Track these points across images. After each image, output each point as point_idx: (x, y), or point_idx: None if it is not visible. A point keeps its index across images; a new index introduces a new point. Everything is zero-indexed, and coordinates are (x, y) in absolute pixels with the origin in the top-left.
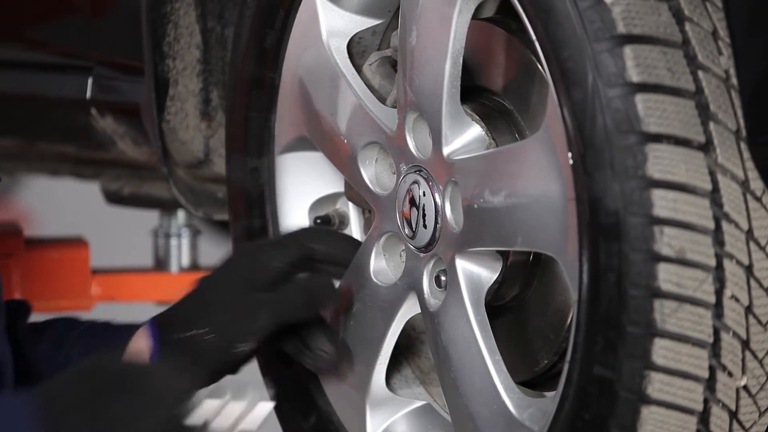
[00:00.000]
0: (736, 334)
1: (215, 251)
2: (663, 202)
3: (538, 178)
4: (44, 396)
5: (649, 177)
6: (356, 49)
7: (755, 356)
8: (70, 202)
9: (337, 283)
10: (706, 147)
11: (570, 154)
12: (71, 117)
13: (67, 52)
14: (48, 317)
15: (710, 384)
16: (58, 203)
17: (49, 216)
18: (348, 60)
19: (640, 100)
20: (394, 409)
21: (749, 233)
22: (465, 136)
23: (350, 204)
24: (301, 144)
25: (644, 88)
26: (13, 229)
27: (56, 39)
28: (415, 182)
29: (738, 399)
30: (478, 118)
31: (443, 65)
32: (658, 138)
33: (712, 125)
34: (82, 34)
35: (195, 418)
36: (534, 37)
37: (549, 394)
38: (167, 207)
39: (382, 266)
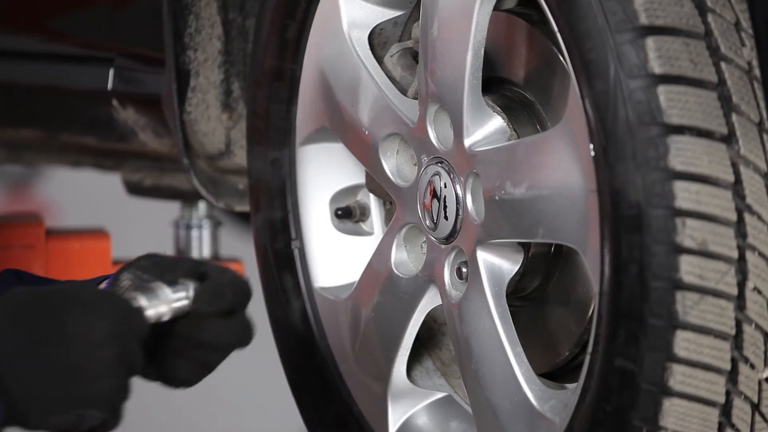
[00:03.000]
0: (758, 326)
1: (236, 243)
2: (685, 194)
3: (560, 170)
4: None
5: (671, 169)
6: (377, 40)
7: None
8: (92, 193)
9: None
10: (729, 138)
11: (592, 146)
12: (93, 108)
13: (88, 44)
14: None
15: (732, 376)
16: (80, 194)
17: (70, 207)
18: (369, 51)
19: (663, 91)
20: (414, 400)
21: None
22: (486, 128)
23: (371, 195)
24: (323, 135)
25: (666, 79)
26: (34, 220)
27: (78, 30)
28: (437, 174)
29: (760, 391)
30: (499, 109)
31: (464, 56)
32: (680, 130)
33: (734, 117)
34: (103, 25)
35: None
36: (556, 29)
37: (570, 385)
38: (188, 198)
39: (403, 258)
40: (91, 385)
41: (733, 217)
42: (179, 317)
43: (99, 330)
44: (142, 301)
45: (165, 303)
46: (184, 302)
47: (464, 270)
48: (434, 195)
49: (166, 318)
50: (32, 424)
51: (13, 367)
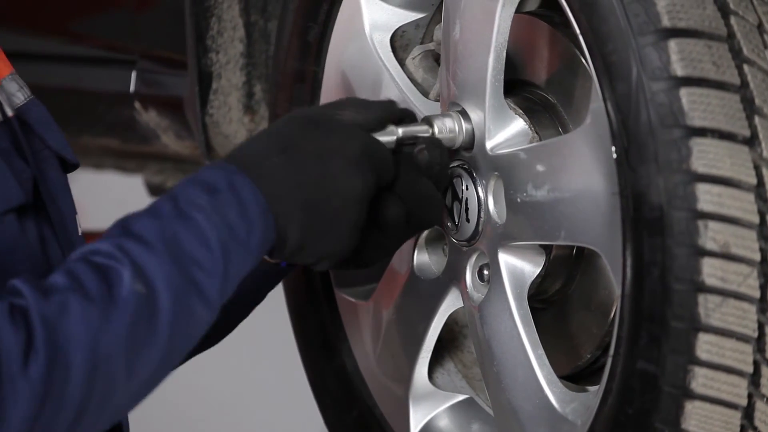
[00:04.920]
0: None
1: None
2: (707, 197)
3: (582, 172)
4: (245, 157)
5: (693, 171)
6: (399, 42)
7: None
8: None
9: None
10: (751, 141)
11: (614, 148)
12: (115, 110)
13: (111, 46)
14: None
15: (754, 379)
16: (102, 196)
17: (92, 209)
18: (391, 53)
19: (685, 94)
20: (436, 402)
21: None
22: (508, 130)
23: None
24: None
25: (689, 81)
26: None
27: (100, 33)
28: (458, 176)
29: None
30: (521, 111)
31: (486, 59)
32: (702, 132)
33: (757, 119)
34: (126, 27)
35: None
36: (578, 31)
37: (592, 388)
38: None
39: (424, 260)
40: (339, 224)
41: (756, 219)
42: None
43: (350, 174)
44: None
45: (394, 135)
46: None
47: (486, 272)
48: (456, 197)
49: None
50: (285, 252)
51: (279, 199)
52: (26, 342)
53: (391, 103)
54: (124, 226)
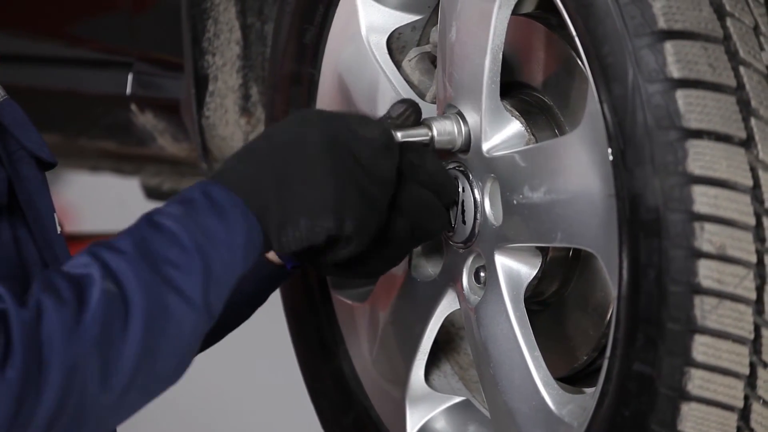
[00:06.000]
0: None
1: None
2: (704, 199)
3: (578, 174)
4: (216, 170)
5: (689, 173)
6: (396, 44)
7: None
8: (110, 198)
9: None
10: (748, 143)
11: (610, 150)
12: (111, 113)
13: (107, 49)
14: None
15: (751, 380)
16: (99, 199)
17: (89, 212)
18: (387, 56)
19: (681, 95)
20: (432, 404)
21: None
22: (504, 132)
23: None
24: None
25: (685, 83)
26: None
27: (97, 35)
28: (455, 178)
29: None
30: (517, 113)
31: (483, 61)
32: (698, 134)
33: (753, 121)
34: (122, 30)
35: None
36: (574, 33)
37: (588, 390)
38: None
39: (420, 262)
40: (310, 188)
41: (752, 221)
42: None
43: (313, 138)
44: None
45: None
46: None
47: (482, 274)
48: None
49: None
50: (273, 238)
51: (249, 189)
52: (5, 344)
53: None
54: (100, 243)
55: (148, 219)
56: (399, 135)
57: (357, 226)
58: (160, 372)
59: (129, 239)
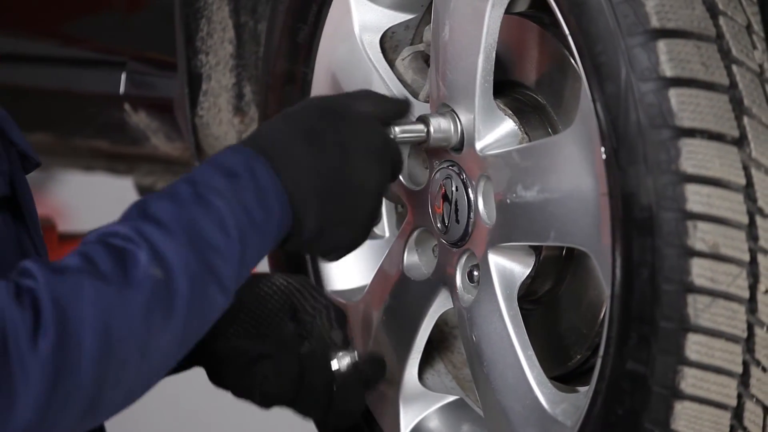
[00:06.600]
0: None
1: None
2: (697, 197)
3: (571, 173)
4: (263, 140)
5: (682, 172)
6: (389, 43)
7: None
8: (104, 198)
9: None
10: (740, 141)
11: (603, 149)
12: (105, 112)
13: (101, 48)
14: None
15: (744, 379)
16: (92, 198)
17: (82, 211)
18: (381, 55)
19: (674, 94)
20: (426, 404)
21: None
22: (498, 131)
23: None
24: None
25: (678, 82)
26: (47, 225)
27: (90, 35)
28: (448, 177)
29: None
30: (510, 112)
31: (476, 60)
32: (691, 133)
33: (746, 120)
34: (116, 29)
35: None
36: (567, 32)
37: (582, 389)
38: None
39: (414, 261)
40: (355, 207)
41: (745, 220)
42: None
43: (367, 159)
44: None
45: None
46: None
47: (476, 273)
48: (445, 198)
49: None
50: (301, 239)
51: (297, 184)
52: (34, 321)
53: (406, 102)
54: (143, 209)
55: (193, 188)
56: (397, 130)
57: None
58: (186, 349)
59: (175, 213)
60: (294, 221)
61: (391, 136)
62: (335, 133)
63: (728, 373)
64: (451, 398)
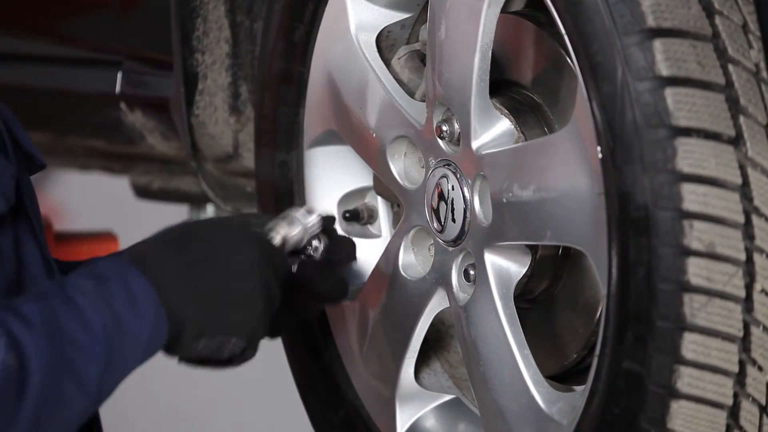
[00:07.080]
0: (766, 328)
1: None
2: (693, 196)
3: (567, 172)
4: (138, 253)
5: (678, 171)
6: (385, 42)
7: None
8: (100, 197)
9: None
10: (736, 141)
11: (599, 148)
12: (101, 111)
13: (96, 47)
14: None
15: (740, 378)
16: (88, 198)
17: (78, 210)
18: (377, 54)
19: (670, 93)
20: (422, 403)
21: None
22: (494, 130)
23: (379, 198)
24: (330, 138)
25: (674, 81)
26: (43, 224)
27: (86, 34)
28: (444, 176)
29: None
30: (507, 111)
31: (472, 59)
32: (687, 132)
33: (742, 119)
34: (111, 28)
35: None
36: (563, 31)
37: (578, 388)
38: (196, 201)
39: (410, 260)
40: (235, 311)
41: (741, 219)
42: (305, 264)
43: (242, 261)
44: (283, 226)
45: (301, 226)
46: (317, 225)
47: (472, 272)
48: (442, 197)
49: (303, 242)
50: (182, 346)
51: (172, 291)
52: None
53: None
54: (8, 304)
55: (60, 289)
56: (277, 235)
57: (258, 341)
58: None
59: (38, 309)
60: (172, 329)
61: (274, 243)
62: (209, 243)
63: (724, 372)
64: (448, 397)
